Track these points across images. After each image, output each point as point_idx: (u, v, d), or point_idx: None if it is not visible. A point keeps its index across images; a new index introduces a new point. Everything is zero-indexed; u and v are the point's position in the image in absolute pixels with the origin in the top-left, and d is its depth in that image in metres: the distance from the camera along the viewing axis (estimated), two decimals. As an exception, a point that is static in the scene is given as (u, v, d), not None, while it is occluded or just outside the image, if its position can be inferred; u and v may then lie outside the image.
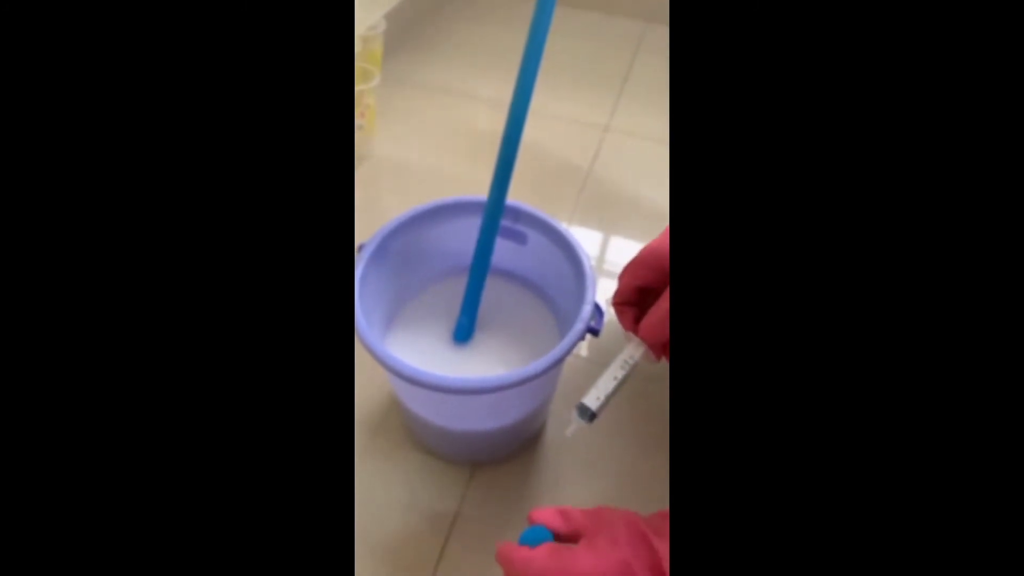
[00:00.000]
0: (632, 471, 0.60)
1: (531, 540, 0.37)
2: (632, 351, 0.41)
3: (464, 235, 0.57)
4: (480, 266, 0.55)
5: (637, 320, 0.43)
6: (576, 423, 0.42)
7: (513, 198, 0.53)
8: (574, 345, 0.47)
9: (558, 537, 0.37)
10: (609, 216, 0.86)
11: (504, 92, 0.46)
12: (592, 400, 0.42)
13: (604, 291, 0.76)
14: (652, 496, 0.58)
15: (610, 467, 0.60)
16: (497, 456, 0.60)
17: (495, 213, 0.52)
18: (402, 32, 1.16)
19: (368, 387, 0.65)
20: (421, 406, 0.55)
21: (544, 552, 0.35)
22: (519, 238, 0.59)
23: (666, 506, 0.25)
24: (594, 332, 0.49)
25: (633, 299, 0.43)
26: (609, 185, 0.91)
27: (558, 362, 0.46)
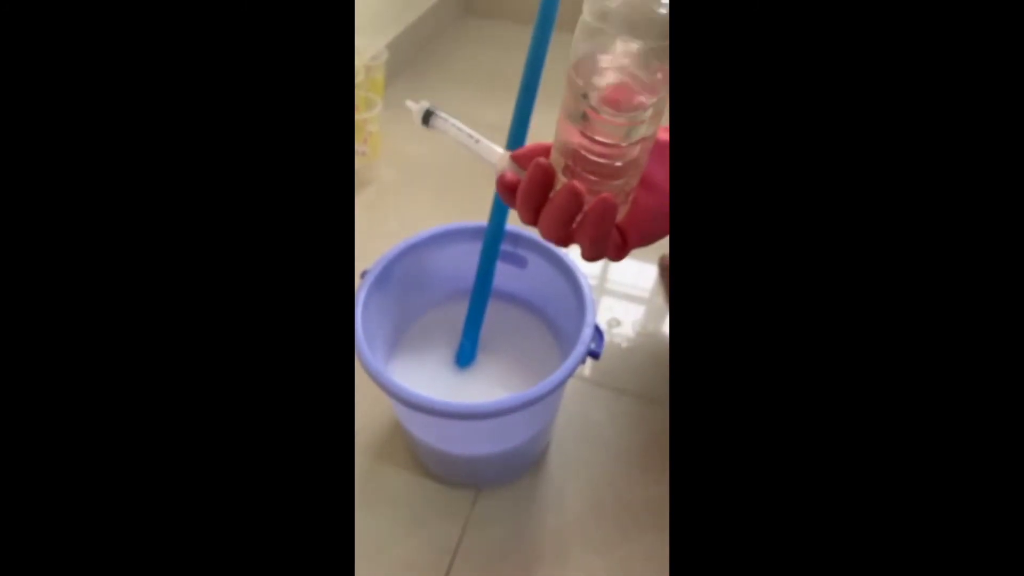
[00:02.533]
0: (635, 493, 0.60)
1: None
2: (497, 154, 0.35)
3: (465, 260, 0.58)
4: (481, 290, 0.55)
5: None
6: (416, 109, 0.37)
7: (513, 223, 0.53)
8: (575, 368, 0.47)
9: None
10: (609, 238, 0.86)
11: (504, 116, 0.47)
12: (440, 116, 0.37)
13: (604, 313, 0.77)
14: (656, 515, 0.58)
15: (613, 489, 0.60)
16: (500, 480, 0.60)
17: (495, 238, 0.53)
18: (404, 59, 1.18)
19: (371, 412, 0.65)
20: (424, 431, 0.55)
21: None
22: (519, 262, 0.60)
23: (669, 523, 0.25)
24: (594, 355, 0.50)
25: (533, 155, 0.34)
26: (609, 207, 0.91)
27: (559, 386, 0.46)
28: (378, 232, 0.85)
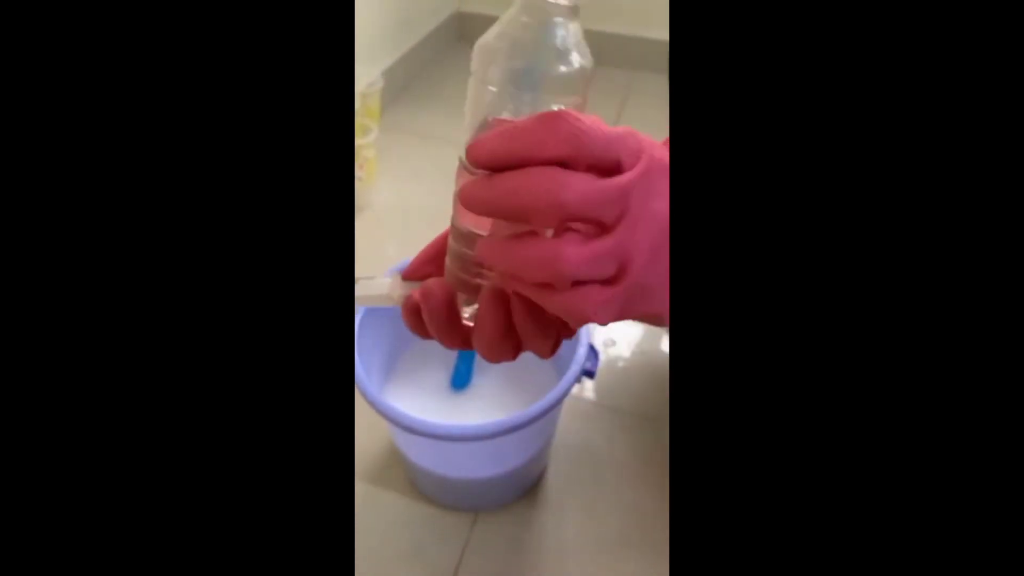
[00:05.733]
0: (634, 513, 0.59)
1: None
2: (385, 283, 0.29)
3: (460, 282, 0.58)
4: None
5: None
6: None
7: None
8: (570, 388, 0.47)
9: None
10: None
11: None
12: None
13: (600, 333, 0.77)
14: (655, 535, 0.57)
15: (612, 510, 0.60)
16: (499, 503, 0.60)
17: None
18: (399, 86, 1.20)
19: (368, 437, 0.65)
20: (421, 455, 0.55)
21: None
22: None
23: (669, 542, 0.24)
24: (590, 374, 0.50)
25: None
26: (603, 228, 0.92)
27: (554, 406, 0.46)
28: (374, 256, 0.86)
